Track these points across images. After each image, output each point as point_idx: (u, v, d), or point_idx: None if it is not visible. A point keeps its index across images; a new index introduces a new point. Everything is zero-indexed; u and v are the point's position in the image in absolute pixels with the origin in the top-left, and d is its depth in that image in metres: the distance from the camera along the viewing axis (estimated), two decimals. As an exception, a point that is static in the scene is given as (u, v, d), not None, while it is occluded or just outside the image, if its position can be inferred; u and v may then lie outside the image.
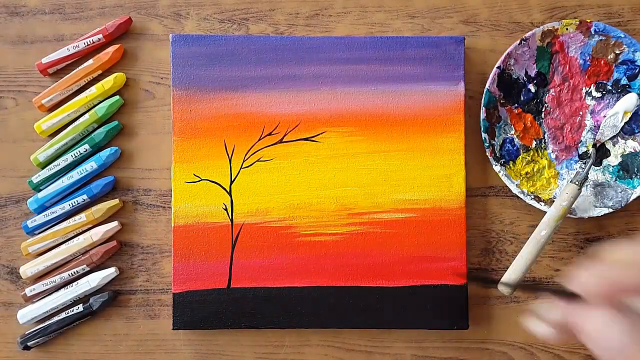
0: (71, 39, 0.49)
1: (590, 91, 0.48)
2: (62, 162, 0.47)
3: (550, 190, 0.48)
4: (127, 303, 0.48)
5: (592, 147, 0.48)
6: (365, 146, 0.47)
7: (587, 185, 0.48)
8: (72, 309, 0.47)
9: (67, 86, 0.48)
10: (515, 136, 0.48)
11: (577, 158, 0.49)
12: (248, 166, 0.47)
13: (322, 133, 0.47)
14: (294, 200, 0.47)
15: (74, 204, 0.47)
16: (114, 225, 0.47)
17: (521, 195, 0.47)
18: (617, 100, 0.48)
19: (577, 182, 0.45)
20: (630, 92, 0.48)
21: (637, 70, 0.47)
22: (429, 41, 0.47)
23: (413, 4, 0.49)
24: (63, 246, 0.47)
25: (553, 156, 0.49)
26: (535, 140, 0.48)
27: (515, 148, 0.48)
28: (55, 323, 0.47)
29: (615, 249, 0.32)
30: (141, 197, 0.48)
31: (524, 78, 0.48)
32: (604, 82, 0.48)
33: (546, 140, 0.49)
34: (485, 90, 0.47)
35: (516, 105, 0.48)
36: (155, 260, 0.48)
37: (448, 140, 0.47)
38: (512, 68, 0.48)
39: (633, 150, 0.48)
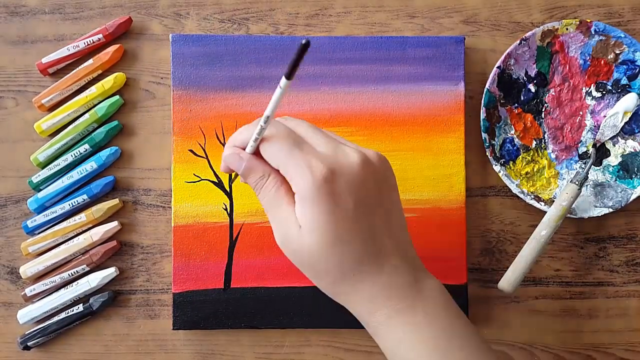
0: (71, 39, 0.49)
1: (590, 91, 0.48)
2: (62, 162, 0.47)
3: (550, 190, 0.48)
4: (127, 303, 0.48)
5: (592, 147, 0.48)
6: (366, 146, 0.47)
7: (587, 185, 0.48)
8: (72, 309, 0.47)
9: (67, 86, 0.48)
10: (515, 136, 0.48)
11: (577, 158, 0.49)
12: (248, 166, 0.47)
13: (322, 133, 0.47)
14: (294, 200, 0.47)
15: (74, 204, 0.47)
16: (114, 225, 0.47)
17: (521, 195, 0.47)
18: (617, 100, 0.48)
19: (577, 182, 0.45)
20: (630, 92, 0.48)
21: (637, 70, 0.47)
22: (429, 41, 0.47)
23: (413, 4, 0.49)
24: (63, 246, 0.47)
25: (553, 156, 0.49)
26: (535, 140, 0.48)
27: (515, 148, 0.48)
28: (55, 323, 0.47)
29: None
30: (141, 197, 0.48)
31: (524, 78, 0.48)
32: (604, 82, 0.48)
33: (546, 140, 0.49)
34: (485, 90, 0.47)
35: (516, 105, 0.48)
36: (155, 260, 0.48)
37: (448, 140, 0.47)
38: (512, 68, 0.48)
39: (633, 150, 0.48)
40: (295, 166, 0.33)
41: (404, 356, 0.34)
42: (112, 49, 0.48)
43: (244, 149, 0.35)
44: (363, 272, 0.34)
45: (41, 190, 0.48)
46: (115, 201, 0.48)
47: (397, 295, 0.34)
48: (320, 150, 0.34)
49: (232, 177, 0.47)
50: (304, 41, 0.27)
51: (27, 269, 0.47)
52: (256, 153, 0.35)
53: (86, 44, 0.48)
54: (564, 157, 0.49)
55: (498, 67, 0.47)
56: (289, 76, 0.29)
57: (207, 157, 0.47)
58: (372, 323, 0.35)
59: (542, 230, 0.45)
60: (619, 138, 0.48)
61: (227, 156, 0.36)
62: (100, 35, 0.48)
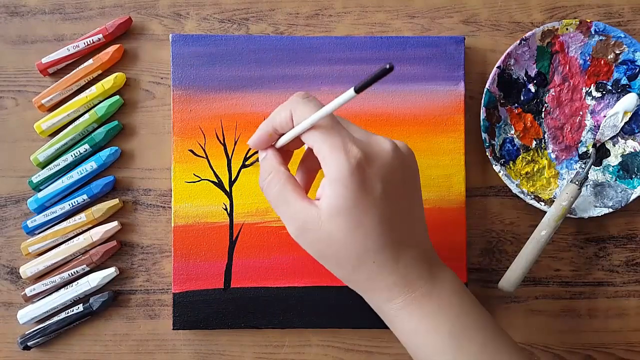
0: (71, 39, 0.49)
1: (590, 91, 0.48)
2: (62, 162, 0.47)
3: (550, 190, 0.48)
4: (127, 303, 0.48)
5: (592, 147, 0.48)
6: (365, 146, 0.47)
7: (587, 185, 0.48)
8: (72, 309, 0.47)
9: (67, 86, 0.48)
10: (515, 136, 0.48)
11: (577, 158, 0.49)
12: (248, 166, 0.47)
13: (322, 133, 0.47)
14: (294, 200, 0.46)
15: (74, 204, 0.47)
16: (114, 225, 0.47)
17: (521, 195, 0.47)
18: (617, 100, 0.48)
19: (577, 182, 0.45)
20: (630, 92, 0.48)
21: (637, 70, 0.47)
22: (429, 41, 0.47)
23: (413, 4, 0.49)
24: (63, 246, 0.47)
25: (553, 156, 0.49)
26: (535, 140, 0.48)
27: (515, 148, 0.48)
28: (55, 323, 0.47)
29: None
30: (141, 197, 0.48)
31: (524, 78, 0.48)
32: (604, 82, 0.48)
33: (546, 140, 0.49)
34: (485, 90, 0.47)
35: (516, 105, 0.48)
36: (155, 260, 0.48)
37: (448, 140, 0.47)
38: (512, 68, 0.48)
39: (633, 150, 0.48)
40: (330, 147, 0.33)
41: (419, 343, 0.36)
42: (112, 49, 0.48)
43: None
44: (382, 260, 0.34)
45: (41, 190, 0.48)
46: (115, 201, 0.48)
47: (413, 284, 0.35)
48: (355, 136, 0.35)
49: (232, 177, 0.47)
50: (387, 65, 0.28)
51: (27, 269, 0.47)
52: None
53: (86, 44, 0.48)
54: (564, 157, 0.49)
55: (498, 67, 0.47)
56: (358, 90, 0.30)
57: (207, 157, 0.47)
58: (388, 311, 0.36)
59: (542, 230, 0.45)
60: (619, 138, 0.48)
61: (253, 143, 0.37)
62: (100, 35, 0.48)
